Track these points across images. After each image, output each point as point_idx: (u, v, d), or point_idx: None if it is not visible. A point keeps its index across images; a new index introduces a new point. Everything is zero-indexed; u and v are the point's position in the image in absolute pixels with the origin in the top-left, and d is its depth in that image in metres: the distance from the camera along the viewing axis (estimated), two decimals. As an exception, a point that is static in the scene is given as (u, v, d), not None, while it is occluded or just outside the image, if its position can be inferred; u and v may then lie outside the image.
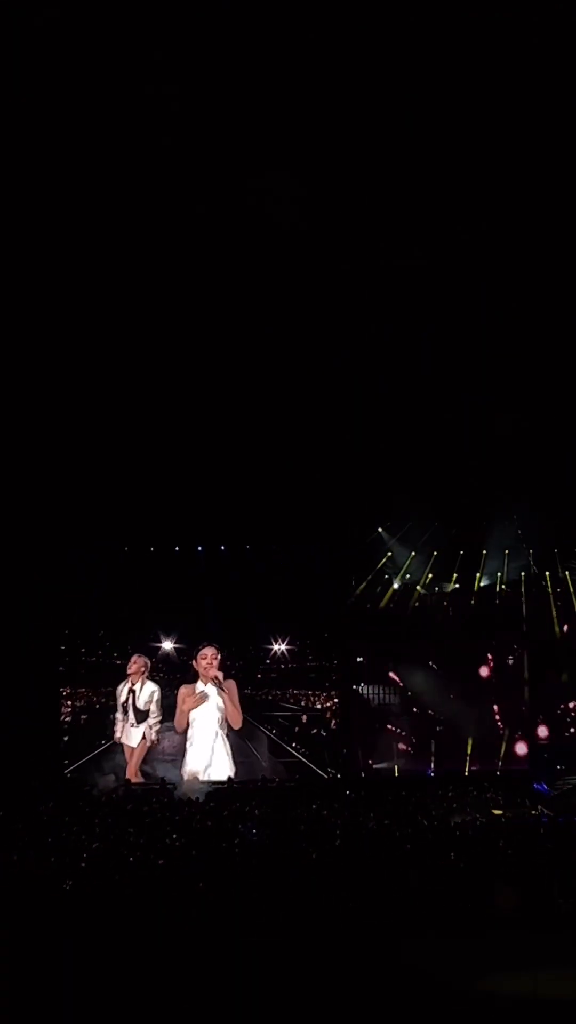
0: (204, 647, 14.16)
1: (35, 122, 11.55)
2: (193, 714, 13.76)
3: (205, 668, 13.85)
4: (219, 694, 13.72)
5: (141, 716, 14.87)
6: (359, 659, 16.68)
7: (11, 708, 14.60)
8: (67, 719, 16.95)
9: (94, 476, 15.26)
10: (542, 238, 13.54)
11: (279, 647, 18.11)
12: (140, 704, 14.83)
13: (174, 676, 17.10)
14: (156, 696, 15.00)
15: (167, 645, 17.65)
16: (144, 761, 14.97)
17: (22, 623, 15.49)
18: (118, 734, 15.03)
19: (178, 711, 13.87)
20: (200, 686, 13.78)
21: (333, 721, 17.32)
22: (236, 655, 16.64)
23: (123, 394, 14.42)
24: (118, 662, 17.77)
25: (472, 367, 14.58)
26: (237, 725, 13.72)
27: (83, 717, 17.37)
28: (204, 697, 13.82)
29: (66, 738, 16.83)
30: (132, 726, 14.86)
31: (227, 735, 13.86)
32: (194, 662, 14.11)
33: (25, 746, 14.49)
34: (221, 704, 13.64)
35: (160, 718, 14.93)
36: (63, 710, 16.94)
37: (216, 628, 16.07)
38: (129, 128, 11.79)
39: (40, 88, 11.19)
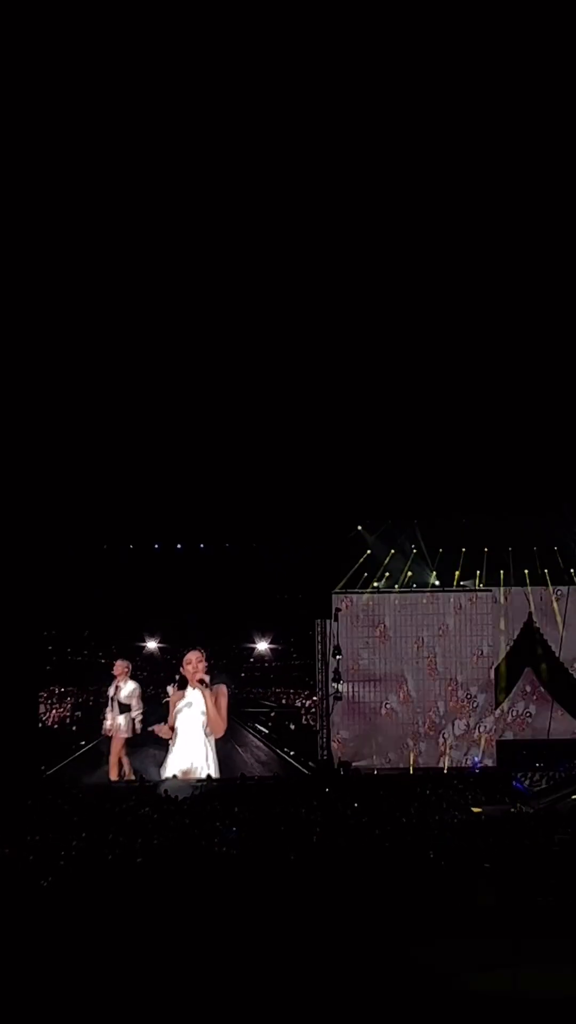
0: (189, 652, 14.27)
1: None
2: (178, 717, 13.88)
3: (191, 673, 13.96)
4: (204, 699, 13.72)
5: (123, 708, 15.59)
6: (338, 657, 16.74)
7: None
8: (60, 717, 17.18)
9: (76, 475, 15.30)
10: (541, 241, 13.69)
11: (262, 645, 18.19)
12: (122, 698, 15.66)
13: (158, 675, 17.19)
14: (137, 691, 15.77)
15: (151, 644, 17.75)
16: (127, 756, 15.49)
17: (6, 622, 15.56)
18: (107, 726, 15.79)
19: (169, 715, 14.10)
20: (188, 690, 13.89)
21: (314, 719, 17.48)
22: (219, 654, 16.75)
23: (105, 391, 14.44)
24: (103, 661, 17.86)
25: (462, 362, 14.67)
26: (218, 734, 13.90)
27: (78, 714, 17.60)
28: (186, 700, 14.05)
29: (54, 736, 17.04)
30: (115, 718, 15.64)
31: (212, 739, 14.03)
32: (182, 668, 14.23)
33: (6, 745, 14.54)
34: (204, 709, 13.69)
35: (142, 710, 15.54)
36: (54, 709, 17.22)
37: (199, 627, 16.20)
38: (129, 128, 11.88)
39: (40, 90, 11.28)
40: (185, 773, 13.63)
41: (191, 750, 13.75)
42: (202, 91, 11.87)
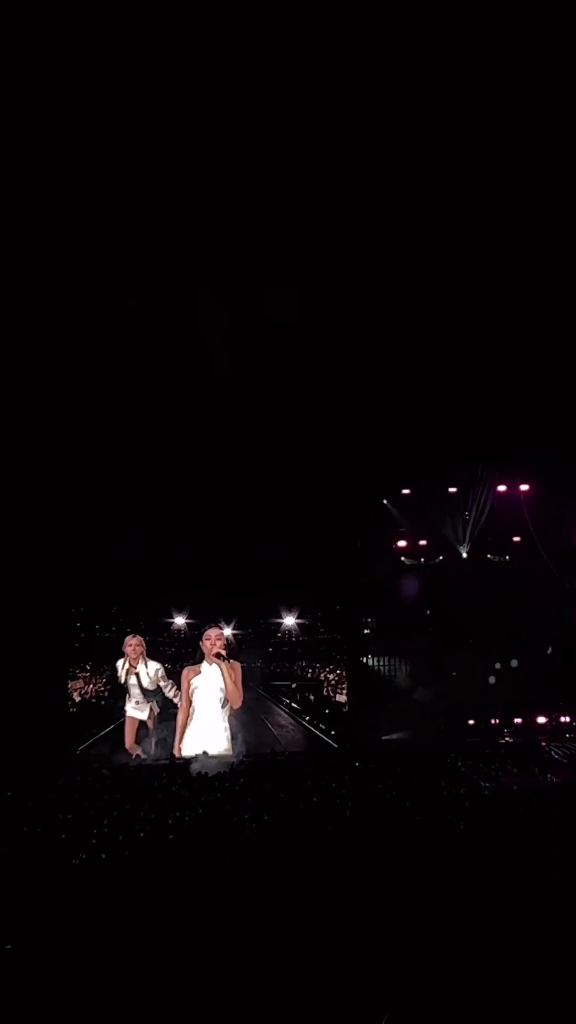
0: (210, 627, 13.97)
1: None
2: (195, 693, 13.69)
3: (208, 648, 13.73)
4: (222, 673, 13.59)
5: (151, 695, 14.88)
6: (366, 631, 16.74)
7: (21, 688, 14.73)
8: (91, 695, 17.20)
9: (97, 450, 15.29)
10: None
11: (289, 620, 18.22)
12: (147, 684, 14.81)
13: (185, 650, 17.24)
14: (161, 672, 14.96)
15: (179, 620, 17.81)
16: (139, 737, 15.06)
17: (32, 601, 15.61)
18: (144, 716, 15.03)
19: (182, 691, 13.87)
20: (204, 665, 13.70)
21: (333, 691, 17.54)
22: (246, 629, 16.83)
23: (123, 373, 14.43)
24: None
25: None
26: (236, 704, 13.68)
27: (107, 689, 17.62)
28: (202, 676, 13.81)
29: (84, 714, 17.13)
30: (138, 704, 14.91)
31: (231, 715, 13.84)
32: (200, 643, 13.96)
33: (36, 725, 14.63)
34: (222, 684, 13.56)
35: (172, 684, 14.83)
36: (82, 686, 17.23)
37: (225, 603, 16.15)
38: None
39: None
40: (206, 748, 13.48)
41: (211, 726, 13.69)
42: (202, 91, 11.80)
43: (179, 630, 17.91)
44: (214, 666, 13.70)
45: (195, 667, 13.86)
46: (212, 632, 13.95)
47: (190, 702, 13.73)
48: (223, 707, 13.68)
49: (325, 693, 18.14)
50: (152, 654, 15.07)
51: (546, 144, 12.66)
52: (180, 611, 17.83)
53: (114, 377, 14.80)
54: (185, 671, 13.99)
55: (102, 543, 16.81)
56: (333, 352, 14.76)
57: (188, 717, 13.82)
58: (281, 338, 14.00)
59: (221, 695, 13.66)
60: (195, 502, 16.81)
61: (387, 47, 11.61)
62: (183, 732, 13.80)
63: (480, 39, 11.52)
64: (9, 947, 6.09)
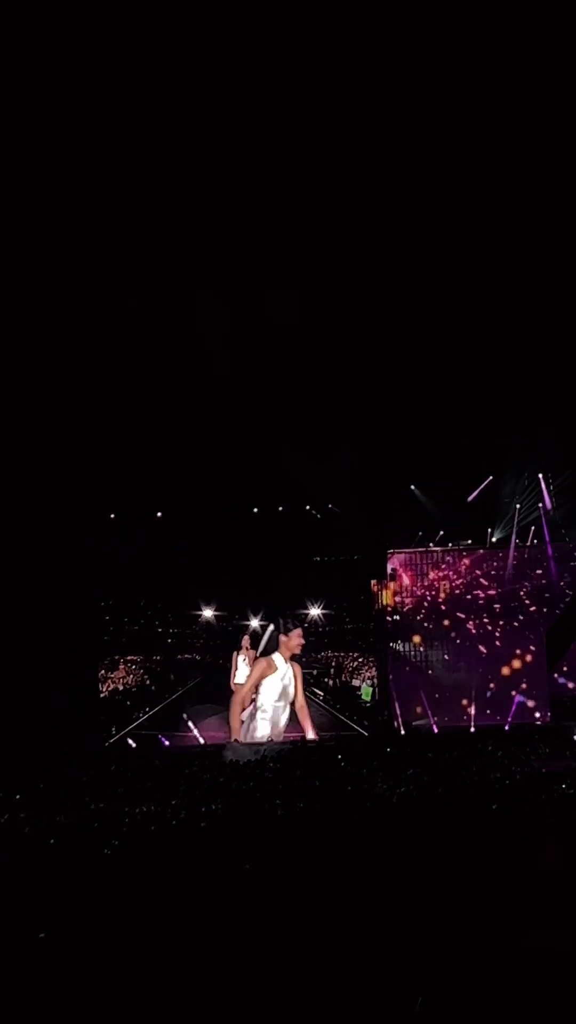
0: (297, 627, 14.07)
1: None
2: (266, 683, 13.95)
3: (294, 647, 13.90)
4: (295, 674, 13.99)
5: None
6: (395, 617, 16.75)
7: (52, 680, 14.86)
8: (122, 687, 17.44)
9: (126, 442, 15.36)
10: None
11: (315, 611, 18.27)
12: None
13: (215, 642, 17.35)
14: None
15: (207, 613, 17.93)
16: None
17: (61, 594, 15.73)
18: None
19: (251, 679, 14.06)
20: (279, 661, 13.91)
21: (350, 676, 17.68)
22: (273, 620, 16.96)
23: (140, 354, 14.46)
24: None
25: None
26: (301, 702, 14.06)
27: (137, 683, 17.84)
28: (279, 672, 13.99)
29: (115, 706, 17.32)
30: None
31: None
32: (284, 636, 13.98)
33: (69, 715, 14.77)
34: (295, 685, 13.92)
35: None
36: (121, 677, 17.47)
37: (253, 595, 16.32)
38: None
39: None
40: (273, 737, 13.83)
41: (281, 718, 13.97)
42: (202, 90, 11.80)
43: (207, 622, 18.06)
44: (289, 665, 13.93)
45: (267, 659, 14.02)
46: (298, 631, 14.07)
47: (257, 690, 13.95)
48: (287, 702, 13.97)
49: (344, 679, 18.34)
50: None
51: (546, 145, 12.57)
52: (208, 604, 17.99)
53: (140, 369, 14.86)
54: (262, 661, 14.06)
55: (127, 541, 16.97)
56: (343, 340, 14.74)
57: (254, 706, 14.00)
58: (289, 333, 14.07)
59: (291, 691, 13.90)
60: (219, 500, 16.92)
61: (386, 47, 11.57)
62: (248, 719, 14.00)
63: (480, 39, 11.46)
64: (43, 935, 6.14)
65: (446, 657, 17.00)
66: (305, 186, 12.90)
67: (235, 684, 14.68)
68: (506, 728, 16.24)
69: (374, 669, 17.97)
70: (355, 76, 11.83)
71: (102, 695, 17.71)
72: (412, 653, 17.03)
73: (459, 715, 16.74)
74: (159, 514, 17.51)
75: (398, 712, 16.64)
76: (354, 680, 18.33)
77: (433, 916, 6.82)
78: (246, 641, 15.36)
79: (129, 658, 18.36)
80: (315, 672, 18.64)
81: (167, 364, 14.80)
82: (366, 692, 17.90)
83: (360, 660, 18.09)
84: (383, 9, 11.20)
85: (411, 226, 13.61)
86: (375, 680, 17.71)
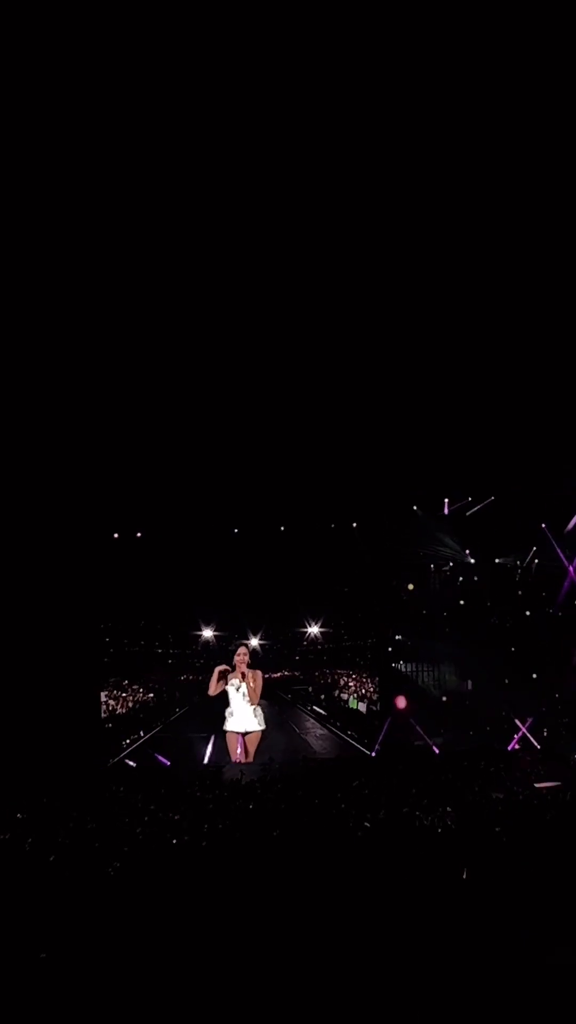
0: (240, 646, 16.78)
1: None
2: (229, 690, 16.56)
3: (239, 663, 16.47)
4: (247, 683, 16.49)
5: None
6: (397, 636, 16.76)
7: (54, 700, 14.82)
8: (123, 707, 17.47)
9: (121, 462, 15.37)
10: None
11: (313, 630, 18.25)
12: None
13: (214, 661, 17.34)
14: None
15: (207, 633, 17.89)
16: None
17: (63, 615, 15.66)
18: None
19: (214, 681, 16.46)
20: (233, 678, 16.49)
21: (346, 694, 17.93)
22: (273, 638, 17.16)
23: (143, 375, 14.49)
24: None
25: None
26: (255, 701, 16.53)
27: (138, 703, 17.84)
28: (235, 683, 16.56)
29: (116, 727, 17.27)
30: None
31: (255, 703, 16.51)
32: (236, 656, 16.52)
33: (69, 737, 14.70)
34: (246, 691, 16.53)
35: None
36: (114, 700, 17.50)
37: (252, 616, 16.64)
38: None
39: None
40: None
41: (246, 711, 16.51)
42: (202, 90, 11.88)
43: (207, 642, 18.03)
44: (240, 675, 16.35)
45: (234, 673, 16.38)
46: (243, 649, 16.61)
47: (225, 693, 16.45)
48: (249, 702, 16.42)
49: (336, 695, 18.54)
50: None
51: (547, 146, 12.63)
52: (207, 624, 17.96)
53: (140, 386, 14.86)
54: (221, 670, 16.36)
55: (128, 558, 16.96)
56: (351, 360, 14.77)
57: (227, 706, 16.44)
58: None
59: (247, 695, 16.40)
60: (215, 509, 16.91)
61: (386, 47, 11.63)
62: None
63: (479, 39, 11.53)
64: (44, 956, 6.12)
65: (447, 677, 17.00)
66: (306, 186, 12.91)
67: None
68: (508, 749, 16.20)
69: (370, 685, 17.95)
70: (355, 76, 11.88)
71: (103, 715, 17.63)
72: (414, 673, 17.05)
73: (461, 736, 16.69)
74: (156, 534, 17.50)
75: (400, 732, 16.60)
76: (342, 694, 18.54)
77: (449, 933, 6.80)
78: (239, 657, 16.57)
79: (126, 682, 18.35)
80: (310, 689, 18.82)
81: (165, 384, 14.81)
82: (352, 702, 18.16)
83: (355, 680, 18.19)
84: (383, 9, 11.24)
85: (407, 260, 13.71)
86: (368, 695, 17.71)
